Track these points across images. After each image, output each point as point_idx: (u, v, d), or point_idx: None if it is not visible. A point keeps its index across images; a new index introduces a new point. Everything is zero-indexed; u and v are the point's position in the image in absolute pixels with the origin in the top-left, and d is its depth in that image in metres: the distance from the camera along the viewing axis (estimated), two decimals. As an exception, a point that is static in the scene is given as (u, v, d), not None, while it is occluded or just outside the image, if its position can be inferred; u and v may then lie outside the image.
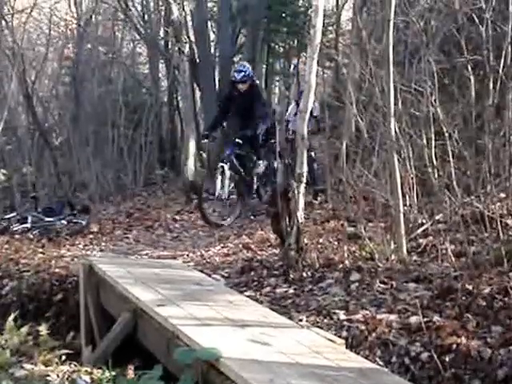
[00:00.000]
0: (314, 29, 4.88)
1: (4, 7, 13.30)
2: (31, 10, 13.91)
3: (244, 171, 7.85)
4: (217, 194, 7.50)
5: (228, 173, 7.51)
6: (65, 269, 5.64)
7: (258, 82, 8.33)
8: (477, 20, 5.21)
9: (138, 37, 15.51)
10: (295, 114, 8.36)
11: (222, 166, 7.53)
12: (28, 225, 7.90)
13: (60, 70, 16.11)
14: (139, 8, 14.91)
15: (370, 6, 8.05)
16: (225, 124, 8.33)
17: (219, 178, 7.49)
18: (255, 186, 8.03)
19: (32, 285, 5.46)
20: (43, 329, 4.37)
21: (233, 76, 7.82)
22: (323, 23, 5.20)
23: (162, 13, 13.99)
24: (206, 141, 8.24)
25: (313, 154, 8.06)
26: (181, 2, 10.38)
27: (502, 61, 5.00)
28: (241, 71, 7.72)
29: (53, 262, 5.86)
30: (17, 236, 7.49)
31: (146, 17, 14.67)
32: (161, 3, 13.38)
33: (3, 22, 13.13)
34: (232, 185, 7.65)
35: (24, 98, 13.89)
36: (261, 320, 3.51)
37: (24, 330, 4.34)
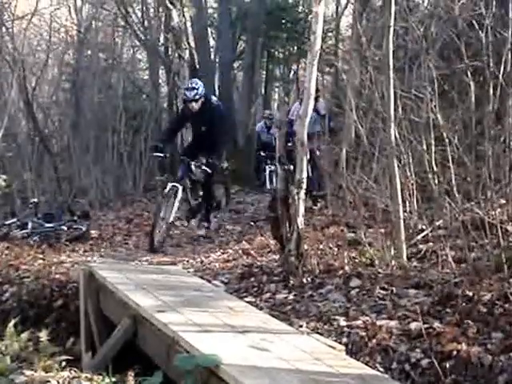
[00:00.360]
0: (314, 35, 4.90)
1: (4, 13, 13.35)
2: (31, 17, 13.96)
3: (194, 198, 7.39)
4: (162, 214, 6.80)
5: (180, 196, 6.91)
6: (65, 275, 5.64)
7: (216, 100, 7.56)
8: (477, 26, 5.20)
9: (138, 43, 15.57)
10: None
11: (176, 187, 6.88)
12: (28, 231, 7.90)
13: (60, 76, 16.17)
14: (139, 14, 14.96)
15: (369, 13, 8.07)
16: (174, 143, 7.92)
17: (170, 199, 6.82)
18: (203, 213, 7.54)
19: (32, 291, 5.46)
20: (43, 335, 4.35)
21: (184, 94, 7.05)
22: (323, 29, 5.22)
23: (162, 19, 14.04)
24: (155, 154, 7.24)
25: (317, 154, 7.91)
26: (181, 8, 10.43)
27: (502, 67, 4.99)
28: (193, 89, 6.94)
29: (53, 268, 5.86)
30: (17, 242, 7.49)
31: (146, 23, 14.70)
32: (161, 9, 13.43)
33: (3, 29, 13.20)
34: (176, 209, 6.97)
35: (24, 105, 13.94)
36: (261, 326, 3.50)
37: (24, 336, 4.33)
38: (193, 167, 7.05)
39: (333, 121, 7.96)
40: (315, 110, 6.44)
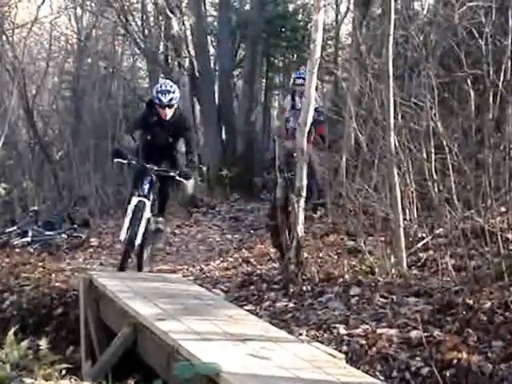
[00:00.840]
0: (314, 43, 4.92)
1: (5, 22, 13.41)
2: (32, 25, 14.05)
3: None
4: (122, 237, 5.54)
5: (148, 212, 5.64)
6: (65, 283, 5.66)
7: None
8: (476, 34, 5.24)
9: (138, 51, 15.58)
10: (293, 108, 7.99)
11: (143, 202, 5.61)
12: (28, 239, 7.95)
13: (60, 84, 16.23)
14: (139, 23, 15.00)
15: (369, 21, 8.10)
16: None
17: (136, 215, 5.55)
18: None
19: (32, 299, 5.49)
20: (43, 343, 4.35)
21: (156, 98, 5.69)
22: (323, 38, 5.24)
23: (162, 27, 14.08)
24: (117, 160, 5.88)
25: (316, 162, 7.88)
26: (181, 16, 10.47)
27: (502, 75, 5.03)
28: (168, 92, 5.68)
29: (53, 276, 5.89)
30: (17, 250, 7.55)
31: (146, 31, 14.75)
32: (161, 18, 13.48)
33: (4, 37, 13.26)
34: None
35: (24, 113, 13.99)
36: (261, 334, 3.49)
37: (24, 344, 4.33)
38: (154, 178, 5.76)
39: (322, 115, 7.40)
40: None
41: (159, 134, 5.87)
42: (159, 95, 5.69)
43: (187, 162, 5.95)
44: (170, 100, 5.70)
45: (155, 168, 5.72)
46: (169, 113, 5.76)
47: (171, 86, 5.81)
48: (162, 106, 5.71)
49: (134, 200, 5.67)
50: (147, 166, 5.73)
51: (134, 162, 5.78)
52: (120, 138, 12.70)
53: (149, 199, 5.68)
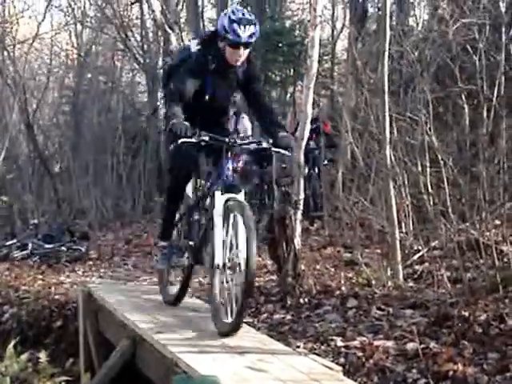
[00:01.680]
0: (311, 59, 4.96)
1: (6, 38, 13.54)
2: (33, 41, 14.17)
3: None
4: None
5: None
6: (64, 295, 5.67)
7: None
8: (470, 50, 5.32)
9: (137, 66, 15.74)
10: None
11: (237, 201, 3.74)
12: (28, 251, 7.99)
13: (60, 98, 16.35)
14: (138, 38, 15.18)
15: (364, 36, 8.17)
16: None
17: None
18: None
19: (32, 311, 5.50)
20: (43, 355, 4.38)
21: (231, 31, 3.76)
22: (319, 53, 5.30)
23: (161, 43, 14.22)
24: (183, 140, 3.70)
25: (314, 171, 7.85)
26: (179, 32, 10.58)
27: (496, 90, 5.10)
28: (249, 23, 3.78)
29: (52, 289, 5.90)
30: (17, 263, 7.58)
31: (145, 47, 14.91)
32: (159, 33, 13.62)
33: (5, 53, 13.38)
34: None
35: (25, 127, 14.07)
36: (258, 347, 3.50)
37: (24, 356, 4.36)
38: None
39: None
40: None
41: (222, 90, 4.05)
42: (235, 27, 3.73)
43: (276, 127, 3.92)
44: (251, 36, 3.80)
45: (239, 142, 3.80)
46: (243, 56, 3.90)
47: (250, 15, 3.89)
48: (238, 43, 3.78)
49: (219, 199, 3.62)
50: (226, 140, 3.75)
51: (206, 138, 3.70)
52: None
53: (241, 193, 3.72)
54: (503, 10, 5.10)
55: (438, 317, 3.88)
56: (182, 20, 12.80)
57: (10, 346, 4.51)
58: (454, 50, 5.58)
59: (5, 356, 4.41)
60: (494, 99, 5.04)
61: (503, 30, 5.18)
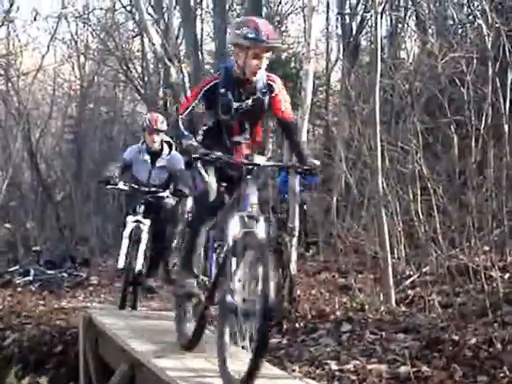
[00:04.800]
0: (305, 91, 5.13)
1: (10, 70, 13.77)
2: (36, 73, 14.37)
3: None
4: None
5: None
6: (65, 321, 5.68)
7: None
8: (458, 82, 5.44)
9: (138, 97, 15.97)
10: None
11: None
12: (30, 277, 8.04)
13: (63, 128, 16.51)
14: (139, 70, 15.43)
15: (357, 69, 8.30)
16: None
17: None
18: None
19: (33, 337, 5.48)
20: (44, 380, 4.39)
21: None
22: (314, 84, 5.45)
23: (161, 74, 14.47)
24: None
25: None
26: (179, 64, 10.79)
27: (483, 120, 5.19)
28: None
29: (53, 314, 5.92)
30: (19, 288, 7.62)
31: (145, 78, 15.15)
32: (160, 66, 13.89)
33: (10, 84, 13.60)
34: None
35: (28, 155, 14.19)
36: None
37: (25, 381, 4.37)
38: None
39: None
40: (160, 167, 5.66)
41: None
42: None
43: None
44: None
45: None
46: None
47: None
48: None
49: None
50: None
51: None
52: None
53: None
54: (489, 44, 5.22)
55: (429, 341, 3.92)
56: (182, 53, 13.04)
57: (12, 371, 4.53)
58: (442, 83, 5.70)
59: (6, 382, 4.43)
60: (482, 129, 5.13)
61: (490, 63, 5.29)
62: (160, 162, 5.67)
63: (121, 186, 5.56)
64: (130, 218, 5.51)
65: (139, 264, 5.47)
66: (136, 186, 5.60)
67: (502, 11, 6.60)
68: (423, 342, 3.96)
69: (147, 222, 5.51)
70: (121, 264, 5.42)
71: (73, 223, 13.90)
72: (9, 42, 14.32)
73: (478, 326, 3.99)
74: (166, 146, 5.70)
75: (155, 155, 5.66)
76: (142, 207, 5.53)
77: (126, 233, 5.44)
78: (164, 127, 5.61)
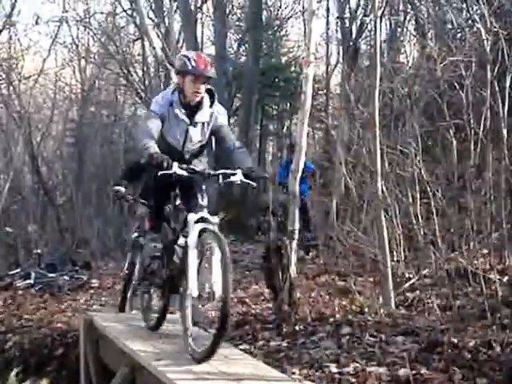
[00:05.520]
0: (305, 95, 5.13)
1: (12, 74, 13.82)
2: (38, 77, 14.43)
3: None
4: None
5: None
6: (66, 324, 5.70)
7: None
8: (457, 86, 5.47)
9: (138, 100, 16.01)
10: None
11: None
12: (31, 280, 8.05)
13: (64, 131, 16.56)
14: (140, 74, 15.49)
15: (357, 73, 8.32)
16: None
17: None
18: None
19: (34, 339, 5.51)
20: (44, 383, 4.41)
21: None
22: (314, 88, 5.48)
23: (162, 78, 14.52)
24: None
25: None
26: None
27: (482, 124, 5.20)
28: None
29: (54, 317, 5.93)
30: (20, 291, 7.63)
31: (146, 82, 15.21)
32: (160, 69, 13.93)
33: (11, 88, 13.65)
34: None
35: (29, 159, 14.24)
36: (255, 374, 3.52)
37: (26, 384, 4.40)
38: None
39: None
40: None
41: None
42: None
43: None
44: None
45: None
46: None
47: None
48: None
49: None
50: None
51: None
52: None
53: None
54: (488, 48, 5.24)
55: (428, 343, 3.94)
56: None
57: (13, 373, 4.54)
58: (441, 87, 5.71)
59: (7, 383, 4.45)
60: (481, 133, 5.14)
61: (488, 67, 5.31)
62: (200, 118, 4.10)
63: (176, 169, 3.73)
64: (192, 217, 3.72)
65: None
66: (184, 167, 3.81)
67: (500, 15, 6.62)
68: (422, 344, 3.97)
69: (215, 219, 3.76)
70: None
71: (74, 226, 13.93)
72: (10, 45, 14.42)
73: (476, 329, 4.02)
74: (206, 96, 4.10)
75: (192, 109, 4.06)
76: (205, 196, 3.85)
77: (193, 240, 3.63)
78: (214, 72, 4.04)
